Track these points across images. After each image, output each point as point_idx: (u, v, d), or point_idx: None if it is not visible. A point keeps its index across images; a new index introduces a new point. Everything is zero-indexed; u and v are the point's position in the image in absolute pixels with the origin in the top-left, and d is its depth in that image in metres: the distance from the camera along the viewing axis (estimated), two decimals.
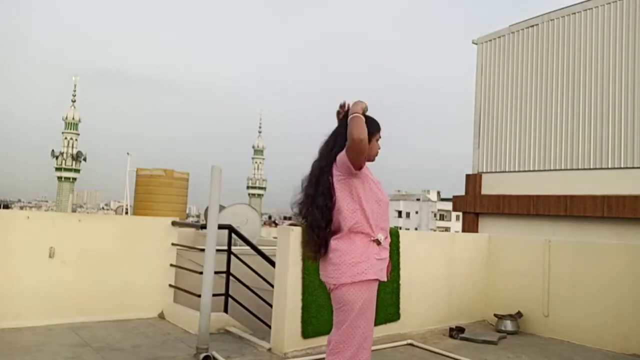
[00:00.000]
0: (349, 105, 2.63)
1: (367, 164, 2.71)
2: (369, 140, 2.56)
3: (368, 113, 2.64)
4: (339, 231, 2.59)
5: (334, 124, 2.75)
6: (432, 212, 75.37)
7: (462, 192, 10.51)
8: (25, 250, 4.77)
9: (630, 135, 8.23)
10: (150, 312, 5.33)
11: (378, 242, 2.60)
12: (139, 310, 5.26)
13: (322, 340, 4.37)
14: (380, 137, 2.75)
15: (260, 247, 5.98)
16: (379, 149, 2.76)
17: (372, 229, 2.58)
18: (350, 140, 2.46)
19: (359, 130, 2.45)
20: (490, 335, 5.22)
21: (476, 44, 10.74)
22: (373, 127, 2.65)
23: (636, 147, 8.14)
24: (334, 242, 2.59)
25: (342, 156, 2.53)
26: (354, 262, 2.54)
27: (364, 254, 2.56)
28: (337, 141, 2.62)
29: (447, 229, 61.42)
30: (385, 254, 2.67)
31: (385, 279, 2.68)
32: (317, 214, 2.60)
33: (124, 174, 25.54)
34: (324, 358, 4.17)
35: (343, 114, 2.65)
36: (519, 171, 9.69)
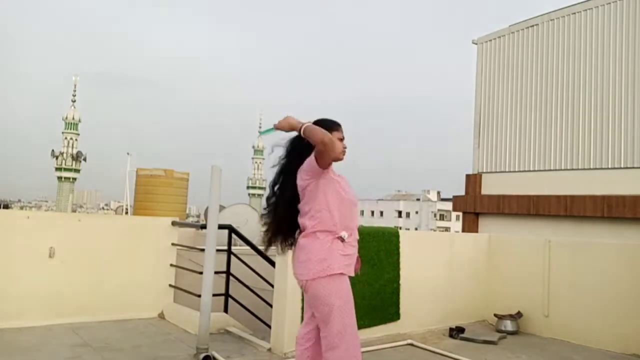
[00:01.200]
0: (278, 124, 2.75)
1: (335, 164, 2.83)
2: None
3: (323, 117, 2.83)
4: (305, 230, 2.74)
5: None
6: (432, 212, 75.37)
7: (462, 192, 10.52)
8: (25, 250, 4.77)
9: (630, 135, 8.23)
10: (150, 312, 5.33)
11: (342, 239, 2.70)
12: (139, 310, 5.26)
13: None
14: (342, 136, 2.83)
15: (260, 247, 5.98)
16: (345, 147, 2.85)
17: (337, 227, 2.69)
18: (320, 144, 2.57)
19: (323, 134, 2.58)
20: (490, 335, 5.22)
21: (476, 44, 10.74)
22: (329, 126, 2.76)
23: (636, 147, 8.14)
24: (301, 240, 2.76)
25: (310, 161, 2.65)
26: (319, 258, 2.66)
27: (328, 251, 2.67)
28: (293, 155, 2.78)
29: (447, 229, 61.41)
30: (351, 250, 2.76)
31: (352, 274, 2.79)
32: (282, 220, 2.82)
33: (124, 174, 25.53)
34: None
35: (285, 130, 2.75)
36: (519, 171, 9.69)
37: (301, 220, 2.76)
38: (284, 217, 2.81)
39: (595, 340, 5.06)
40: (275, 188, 2.84)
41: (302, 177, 2.71)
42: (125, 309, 5.17)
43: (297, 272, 2.76)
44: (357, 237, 2.85)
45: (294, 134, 2.75)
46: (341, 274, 2.68)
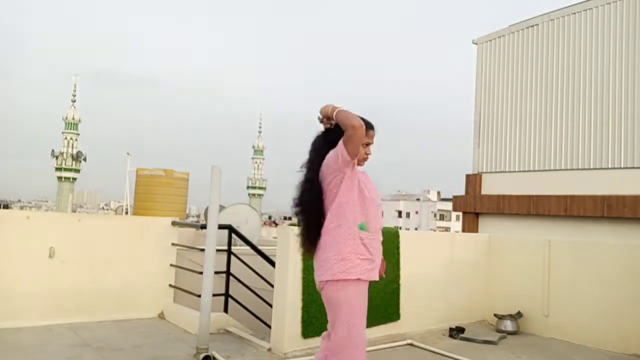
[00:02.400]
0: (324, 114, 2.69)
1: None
2: None
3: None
4: (325, 227, 2.64)
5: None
6: (432, 212, 75.33)
7: (462, 192, 10.52)
8: (25, 250, 4.77)
9: (630, 135, 8.23)
10: (150, 312, 5.33)
11: (362, 240, 2.59)
12: (139, 310, 5.26)
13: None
14: (367, 143, 2.71)
15: (260, 247, 5.98)
16: (367, 154, 2.74)
17: (356, 226, 2.58)
18: (350, 128, 2.49)
19: (354, 117, 2.51)
20: (490, 335, 5.21)
21: (476, 44, 10.74)
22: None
23: (636, 147, 8.14)
24: (321, 240, 2.65)
25: (334, 153, 2.58)
26: (338, 258, 2.57)
27: (347, 252, 2.58)
28: (316, 154, 2.70)
29: (447, 229, 61.40)
30: (372, 254, 2.64)
31: (375, 279, 2.69)
32: (308, 215, 2.71)
33: (124, 174, 25.48)
34: None
35: (326, 122, 2.70)
36: (519, 171, 9.69)
37: (326, 217, 2.66)
38: (311, 217, 2.69)
39: (595, 340, 5.06)
40: (301, 189, 2.74)
41: (325, 173, 2.62)
42: (125, 309, 5.17)
43: (316, 273, 2.67)
44: (381, 238, 2.73)
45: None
46: (358, 279, 2.58)
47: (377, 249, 2.69)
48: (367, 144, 2.71)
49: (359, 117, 2.59)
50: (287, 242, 4.29)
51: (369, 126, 2.69)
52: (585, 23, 8.96)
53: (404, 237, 5.19)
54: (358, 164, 2.71)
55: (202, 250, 4.33)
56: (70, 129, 39.49)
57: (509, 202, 9.48)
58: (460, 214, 10.78)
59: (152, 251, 5.45)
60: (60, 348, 4.12)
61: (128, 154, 25.83)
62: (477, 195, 10.14)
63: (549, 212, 8.80)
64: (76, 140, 39.65)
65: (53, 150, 39.12)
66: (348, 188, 2.60)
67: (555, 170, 9.12)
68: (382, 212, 2.78)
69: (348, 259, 2.56)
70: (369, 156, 2.75)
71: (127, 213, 23.31)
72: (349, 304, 2.56)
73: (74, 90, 39.63)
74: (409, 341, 4.84)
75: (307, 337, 4.29)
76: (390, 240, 5.08)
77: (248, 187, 50.89)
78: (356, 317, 2.58)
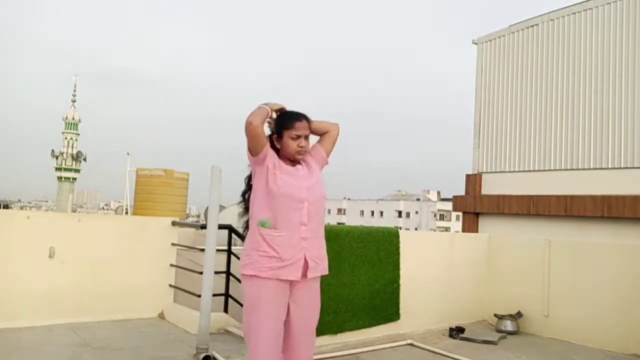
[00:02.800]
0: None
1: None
2: (281, 136, 2.61)
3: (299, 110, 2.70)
4: None
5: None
6: (432, 212, 75.36)
7: (462, 192, 10.52)
8: (25, 250, 4.77)
9: (630, 135, 8.24)
10: (150, 312, 5.33)
11: (263, 238, 2.52)
12: (139, 310, 5.26)
13: (321, 341, 4.37)
14: (297, 133, 2.60)
15: None
16: (301, 147, 2.62)
17: (257, 223, 2.57)
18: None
19: (251, 115, 2.50)
20: (490, 335, 5.21)
21: (476, 44, 10.75)
22: (284, 121, 2.62)
23: (636, 147, 8.15)
24: None
25: None
26: (243, 254, 2.64)
27: (248, 248, 2.61)
28: None
29: (447, 229, 61.40)
30: (278, 252, 2.51)
31: (287, 278, 2.53)
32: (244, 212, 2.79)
33: (124, 174, 25.44)
34: (323, 358, 4.20)
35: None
36: (519, 171, 9.70)
37: None
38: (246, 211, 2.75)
39: (595, 340, 5.06)
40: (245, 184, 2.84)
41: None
42: (125, 309, 5.17)
43: None
44: (303, 236, 2.54)
45: None
46: (254, 275, 2.52)
47: (292, 247, 2.52)
48: (298, 137, 2.60)
49: (286, 109, 2.64)
50: None
51: (294, 117, 2.62)
52: (585, 23, 8.96)
53: (404, 237, 5.19)
54: (293, 158, 2.64)
55: (202, 250, 4.33)
56: (70, 129, 39.48)
57: (509, 202, 9.48)
58: (460, 214, 10.79)
59: (152, 251, 5.44)
60: (60, 348, 4.11)
61: (128, 154, 25.76)
62: (477, 195, 10.14)
63: (549, 212, 8.80)
64: (76, 140, 39.64)
65: (53, 150, 39.11)
66: (256, 185, 2.61)
67: (555, 170, 9.13)
68: (310, 209, 2.59)
69: (249, 254, 2.57)
70: (304, 149, 2.63)
71: (127, 213, 23.27)
72: (248, 299, 2.58)
73: (74, 90, 39.64)
74: (409, 341, 4.84)
75: None
76: (390, 241, 5.08)
77: None
78: (254, 315, 2.55)
